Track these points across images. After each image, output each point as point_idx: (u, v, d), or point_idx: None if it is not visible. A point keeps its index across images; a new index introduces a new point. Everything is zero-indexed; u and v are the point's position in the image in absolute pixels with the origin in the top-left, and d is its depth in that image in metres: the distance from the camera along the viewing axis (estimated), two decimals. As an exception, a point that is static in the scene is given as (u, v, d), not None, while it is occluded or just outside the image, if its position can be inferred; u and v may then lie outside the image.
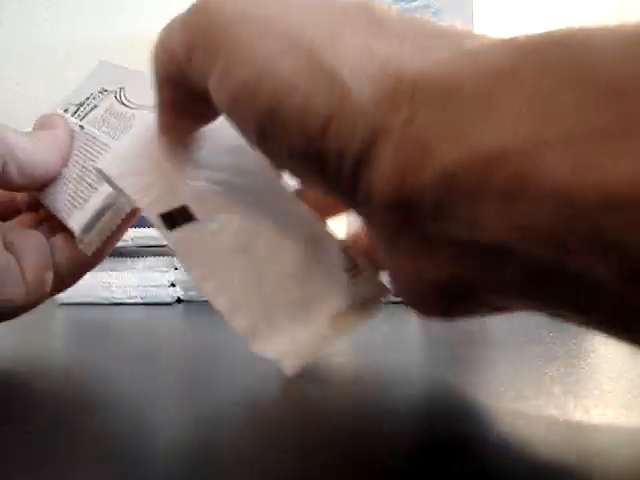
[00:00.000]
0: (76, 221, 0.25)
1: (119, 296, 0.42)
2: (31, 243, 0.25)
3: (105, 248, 0.27)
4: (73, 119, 0.29)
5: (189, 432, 0.16)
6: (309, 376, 0.23)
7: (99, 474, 0.13)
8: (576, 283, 0.13)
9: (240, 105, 0.17)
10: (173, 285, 0.43)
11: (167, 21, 0.21)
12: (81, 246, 0.25)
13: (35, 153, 0.26)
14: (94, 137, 0.27)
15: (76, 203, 0.25)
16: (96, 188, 0.25)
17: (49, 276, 0.25)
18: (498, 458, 0.14)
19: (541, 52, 0.13)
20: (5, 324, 0.25)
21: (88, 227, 0.25)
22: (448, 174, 0.14)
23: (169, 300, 0.42)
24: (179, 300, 0.43)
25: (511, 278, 0.14)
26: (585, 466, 0.14)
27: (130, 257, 0.44)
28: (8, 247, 0.24)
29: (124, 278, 0.43)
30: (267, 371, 0.23)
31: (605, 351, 0.27)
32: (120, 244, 0.42)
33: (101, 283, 0.42)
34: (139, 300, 0.42)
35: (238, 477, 0.13)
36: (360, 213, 0.17)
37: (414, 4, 0.75)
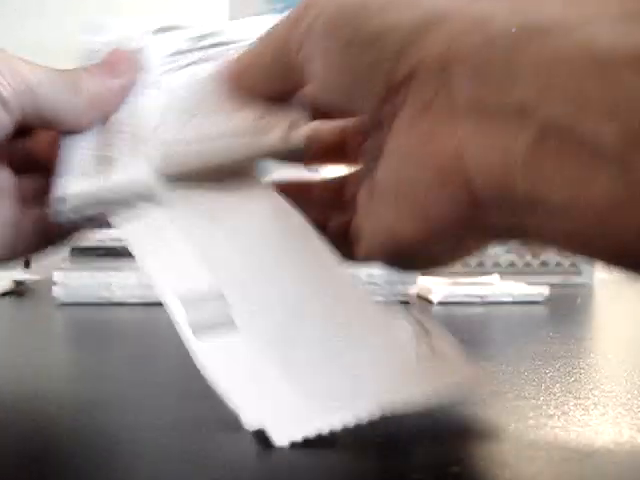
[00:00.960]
0: (69, 186, 0.21)
1: (119, 296, 0.42)
2: None
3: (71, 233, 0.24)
4: (162, 61, 0.24)
5: (189, 432, 0.16)
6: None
7: (98, 473, 0.13)
8: (580, 148, 0.14)
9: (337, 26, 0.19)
10: (173, 285, 0.43)
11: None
12: (50, 210, 0.21)
13: (62, 110, 0.23)
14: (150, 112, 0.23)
15: (86, 169, 0.22)
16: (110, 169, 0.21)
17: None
18: (498, 458, 0.14)
19: None
20: (5, 324, 0.25)
21: (75, 201, 0.21)
22: (491, 42, 0.16)
23: (169, 300, 0.42)
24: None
25: (519, 145, 0.15)
26: (585, 466, 0.14)
27: (130, 257, 0.44)
28: None
29: (124, 278, 0.43)
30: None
31: (605, 351, 0.27)
32: (120, 244, 0.42)
33: (101, 283, 0.42)
34: (139, 300, 0.42)
35: (237, 477, 0.13)
36: (382, 110, 0.19)
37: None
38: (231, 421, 0.17)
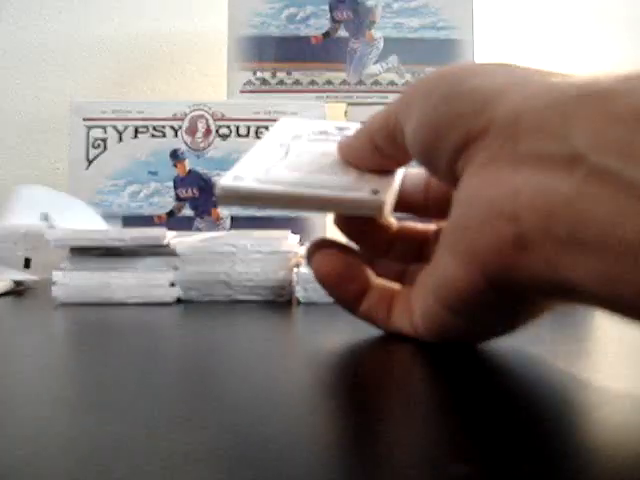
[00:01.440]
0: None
1: (119, 296, 0.42)
2: None
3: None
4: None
5: (188, 432, 0.16)
6: (308, 376, 0.23)
7: (98, 473, 0.13)
8: (621, 190, 0.16)
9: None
10: (173, 285, 0.43)
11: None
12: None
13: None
14: None
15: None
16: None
17: None
18: (498, 458, 0.14)
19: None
20: (4, 324, 0.25)
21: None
22: (557, 102, 0.18)
23: (169, 300, 0.42)
24: (179, 300, 0.43)
25: (569, 186, 0.17)
26: (585, 466, 0.14)
27: (130, 257, 0.44)
28: None
29: (124, 278, 0.43)
30: (267, 371, 0.23)
31: (605, 351, 0.27)
32: (120, 244, 0.42)
33: (101, 283, 0.42)
34: (139, 300, 0.42)
35: (237, 477, 0.13)
36: (454, 163, 0.22)
37: (414, 4, 0.74)
38: (231, 421, 0.17)
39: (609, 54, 0.89)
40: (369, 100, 0.72)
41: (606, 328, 0.31)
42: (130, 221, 0.72)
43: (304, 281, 0.42)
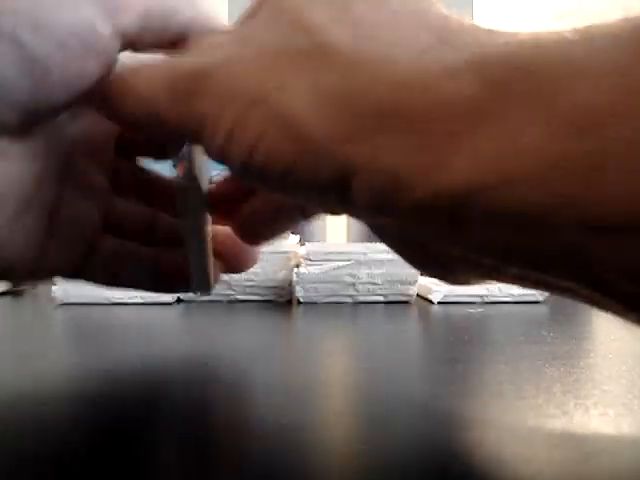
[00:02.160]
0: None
1: (119, 296, 0.42)
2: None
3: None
4: None
5: (188, 432, 0.16)
6: (309, 376, 0.23)
7: (97, 472, 0.13)
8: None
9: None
10: (173, 285, 0.43)
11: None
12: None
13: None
14: None
15: None
16: None
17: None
18: (498, 458, 0.14)
19: (506, 84, 0.13)
20: (4, 324, 0.25)
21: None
22: (420, 207, 0.14)
23: (169, 300, 0.42)
24: (179, 300, 0.43)
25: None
26: (585, 466, 0.14)
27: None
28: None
29: (124, 278, 0.43)
30: (267, 371, 0.23)
31: (605, 351, 0.27)
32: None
33: (101, 283, 0.42)
34: (139, 300, 0.42)
35: (237, 477, 0.13)
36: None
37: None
38: (231, 421, 0.17)
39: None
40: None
41: (606, 328, 0.31)
42: None
43: (304, 281, 0.42)
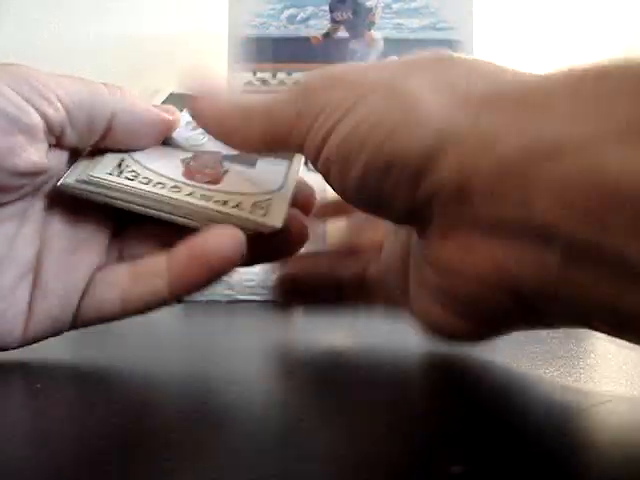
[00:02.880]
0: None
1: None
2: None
3: None
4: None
5: (188, 432, 0.16)
6: (309, 375, 0.23)
7: (97, 474, 0.13)
8: (610, 263, 0.14)
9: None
10: (173, 285, 0.43)
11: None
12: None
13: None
14: None
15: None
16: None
17: None
18: (498, 458, 0.14)
19: (600, 68, 0.16)
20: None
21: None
22: (503, 163, 0.16)
23: (169, 300, 0.42)
24: (179, 300, 0.43)
25: (552, 263, 0.16)
26: (585, 466, 0.14)
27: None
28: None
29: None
30: (268, 371, 0.23)
31: (605, 351, 0.27)
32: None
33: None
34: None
35: (237, 477, 0.13)
36: (411, 220, 0.20)
37: (414, 4, 0.74)
38: (231, 421, 0.17)
39: (610, 54, 0.89)
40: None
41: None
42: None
43: (304, 281, 0.42)
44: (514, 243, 0.16)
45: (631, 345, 0.16)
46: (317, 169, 0.21)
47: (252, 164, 0.26)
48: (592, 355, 0.26)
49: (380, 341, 0.28)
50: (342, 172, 0.19)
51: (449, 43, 0.74)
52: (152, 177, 0.24)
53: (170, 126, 0.25)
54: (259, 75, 0.72)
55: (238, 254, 0.22)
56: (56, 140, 0.22)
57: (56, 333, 0.23)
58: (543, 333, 0.25)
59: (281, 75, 0.73)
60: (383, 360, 0.25)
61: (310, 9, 0.73)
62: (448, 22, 0.74)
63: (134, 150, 0.25)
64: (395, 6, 0.74)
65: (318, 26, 0.73)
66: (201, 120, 0.24)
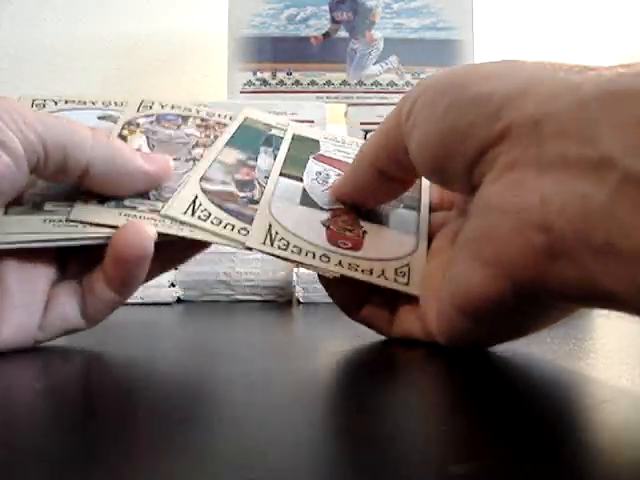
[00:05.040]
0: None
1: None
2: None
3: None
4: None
5: (188, 432, 0.16)
6: (310, 375, 0.23)
7: (95, 474, 0.13)
8: None
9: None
10: (173, 285, 0.43)
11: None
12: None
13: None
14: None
15: None
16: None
17: None
18: (498, 458, 0.14)
19: None
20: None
21: None
22: (583, 101, 0.17)
23: (169, 300, 0.42)
24: (179, 300, 0.43)
25: (599, 197, 0.16)
26: (586, 466, 0.14)
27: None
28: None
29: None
30: (268, 371, 0.23)
31: (605, 351, 0.27)
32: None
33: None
34: (139, 300, 0.42)
35: (237, 476, 0.13)
36: (474, 170, 0.21)
37: (414, 4, 0.75)
38: (231, 421, 0.17)
39: (611, 54, 0.89)
40: (369, 101, 0.72)
41: (606, 328, 0.31)
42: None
43: (304, 281, 0.42)
44: (566, 177, 0.17)
45: (631, 345, 0.16)
46: (407, 129, 0.23)
47: (385, 219, 0.28)
48: (592, 355, 0.26)
49: (380, 341, 0.28)
50: (427, 118, 0.22)
51: (449, 43, 0.74)
52: (301, 245, 0.26)
53: (154, 180, 0.26)
54: (259, 75, 0.73)
55: (146, 243, 0.24)
56: (32, 169, 0.23)
57: (22, 345, 0.24)
58: (543, 333, 0.25)
59: (281, 75, 0.73)
60: (383, 360, 0.25)
61: (310, 9, 0.73)
62: (448, 22, 0.74)
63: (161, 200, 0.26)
64: (395, 6, 0.74)
65: (318, 26, 0.73)
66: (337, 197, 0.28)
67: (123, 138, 0.28)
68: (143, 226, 0.24)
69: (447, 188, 0.25)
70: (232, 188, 0.28)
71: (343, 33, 0.74)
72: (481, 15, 0.77)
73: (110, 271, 0.24)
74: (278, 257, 0.26)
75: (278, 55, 0.74)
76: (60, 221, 0.25)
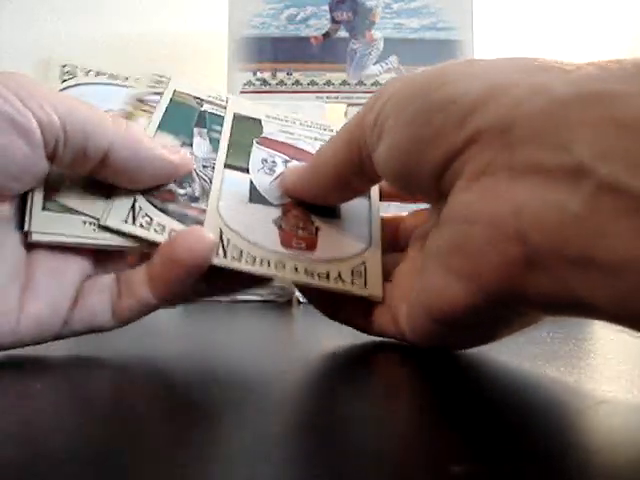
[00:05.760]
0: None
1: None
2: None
3: None
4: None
5: (188, 433, 0.16)
6: (310, 375, 0.23)
7: (95, 474, 0.13)
8: (638, 208, 0.15)
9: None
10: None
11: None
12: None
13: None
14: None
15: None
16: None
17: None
18: (498, 458, 0.14)
19: None
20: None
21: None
22: (554, 105, 0.17)
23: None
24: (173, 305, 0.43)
25: (573, 204, 0.16)
26: (585, 466, 0.14)
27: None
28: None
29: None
30: (268, 371, 0.23)
31: (605, 351, 0.27)
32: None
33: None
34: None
35: (237, 476, 0.13)
36: (442, 176, 0.20)
37: (414, 4, 0.74)
38: (231, 421, 0.17)
39: (610, 54, 0.89)
40: (369, 101, 0.72)
41: (606, 328, 0.31)
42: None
43: (304, 281, 0.42)
44: (539, 185, 0.17)
45: (631, 345, 0.16)
46: (372, 139, 0.22)
47: (337, 210, 0.27)
48: (592, 355, 0.26)
49: (381, 340, 0.28)
50: (393, 124, 0.21)
51: (449, 43, 0.74)
52: (254, 253, 0.24)
53: (177, 170, 0.25)
54: (259, 75, 0.73)
55: (207, 253, 0.23)
56: (50, 155, 0.22)
57: (45, 338, 0.23)
58: (543, 333, 0.25)
59: (281, 75, 0.73)
60: (383, 360, 0.25)
61: (310, 9, 0.73)
62: (448, 22, 0.74)
63: (172, 200, 0.25)
64: (395, 6, 0.74)
65: (318, 26, 0.73)
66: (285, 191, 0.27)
67: None
68: (204, 233, 0.23)
69: (416, 197, 0.24)
70: (170, 185, 0.25)
71: (343, 33, 0.74)
72: (481, 15, 0.77)
73: (158, 271, 0.23)
74: (230, 269, 0.24)
75: (278, 55, 0.74)
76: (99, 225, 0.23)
